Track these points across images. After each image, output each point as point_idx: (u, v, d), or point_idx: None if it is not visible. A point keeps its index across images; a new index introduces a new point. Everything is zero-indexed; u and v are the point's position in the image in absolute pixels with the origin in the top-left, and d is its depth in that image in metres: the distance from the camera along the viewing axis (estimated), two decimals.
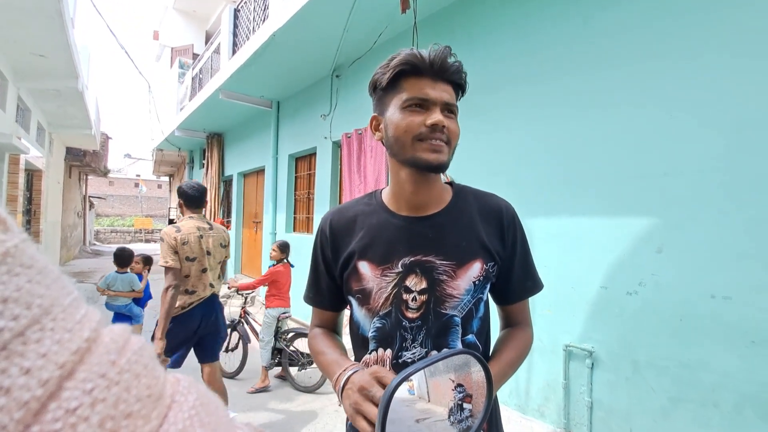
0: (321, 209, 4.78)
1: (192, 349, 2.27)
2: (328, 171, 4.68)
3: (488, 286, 0.79)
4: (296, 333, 3.18)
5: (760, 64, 1.70)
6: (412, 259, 0.75)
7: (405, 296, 0.75)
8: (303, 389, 3.04)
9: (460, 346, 0.76)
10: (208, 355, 2.31)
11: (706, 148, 1.84)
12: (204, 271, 2.21)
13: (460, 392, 0.67)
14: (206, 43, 9.05)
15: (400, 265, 0.75)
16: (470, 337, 0.78)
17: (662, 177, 1.97)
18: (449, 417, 0.64)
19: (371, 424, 0.58)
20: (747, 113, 1.73)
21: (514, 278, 0.82)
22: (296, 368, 3.14)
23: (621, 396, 2.06)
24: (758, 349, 1.67)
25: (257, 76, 4.90)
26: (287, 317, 3.26)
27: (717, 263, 1.80)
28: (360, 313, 0.80)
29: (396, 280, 0.75)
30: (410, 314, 0.75)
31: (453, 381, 0.66)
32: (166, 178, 16.65)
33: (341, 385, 0.66)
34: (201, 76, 7.27)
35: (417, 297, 0.75)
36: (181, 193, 2.23)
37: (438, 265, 0.75)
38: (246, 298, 3.52)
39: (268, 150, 5.89)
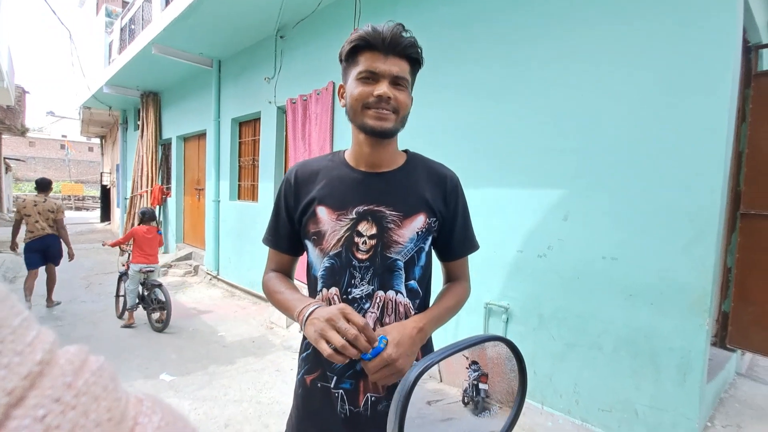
0: (266, 176, 4.69)
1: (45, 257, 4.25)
2: (273, 137, 4.58)
3: (430, 239, 0.89)
4: (153, 285, 3.90)
5: (660, 52, 1.92)
6: (366, 208, 0.85)
7: (356, 239, 0.84)
8: (155, 329, 3.82)
9: (404, 289, 0.85)
10: (50, 261, 4.31)
11: (607, 127, 2.06)
12: (36, 222, 4.13)
13: (474, 371, 0.63)
14: None
15: (354, 212, 0.85)
16: (412, 282, 0.87)
17: (571, 152, 2.19)
18: (463, 398, 0.61)
19: (334, 350, 0.68)
20: (642, 98, 1.96)
21: (455, 238, 0.93)
22: (156, 312, 3.86)
23: (528, 344, 2.35)
24: (634, 300, 1.98)
25: (195, 31, 4.57)
26: (150, 271, 3.92)
27: (608, 229, 2.07)
28: (314, 254, 0.88)
29: (349, 225, 0.85)
30: (360, 255, 0.84)
31: (467, 358, 0.63)
32: (98, 140, 15.19)
33: (305, 316, 0.76)
34: (132, 26, 6.61)
35: (367, 241, 0.84)
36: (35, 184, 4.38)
37: (387, 215, 0.85)
38: (128, 254, 4.18)
39: (209, 113, 5.59)
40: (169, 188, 7.38)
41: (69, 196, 22.80)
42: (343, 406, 0.84)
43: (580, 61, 2.16)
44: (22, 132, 13.69)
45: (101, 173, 14.38)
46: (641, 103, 1.96)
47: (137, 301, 3.91)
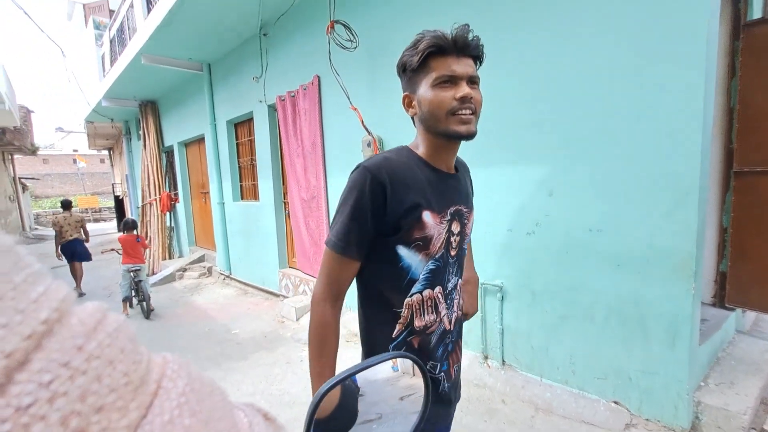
0: (264, 175, 4.77)
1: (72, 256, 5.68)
2: (267, 136, 4.63)
3: None
4: (140, 281, 4.61)
5: (631, 10, 1.88)
6: (454, 208, 0.92)
7: (451, 239, 0.91)
8: (144, 316, 4.57)
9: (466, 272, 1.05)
10: (76, 260, 5.71)
11: (583, 97, 2.05)
12: (68, 232, 5.63)
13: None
14: None
15: (448, 214, 0.90)
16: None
17: (551, 126, 2.18)
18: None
19: None
20: (614, 62, 1.93)
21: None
22: (143, 302, 4.63)
23: (523, 320, 2.40)
24: (622, 269, 2.00)
25: (180, 37, 4.60)
26: (137, 270, 4.61)
27: (592, 202, 2.07)
28: (413, 259, 0.85)
29: (447, 227, 0.90)
30: (453, 252, 0.92)
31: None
32: (106, 152, 15.52)
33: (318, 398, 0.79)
34: (123, 36, 6.67)
35: (456, 239, 0.92)
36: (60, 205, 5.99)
37: (464, 212, 0.95)
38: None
39: (205, 117, 5.67)
40: (176, 194, 7.55)
41: (87, 209, 23.46)
42: (443, 385, 0.93)
43: (551, 31, 2.12)
44: (33, 151, 14.08)
45: (113, 184, 14.73)
46: (613, 68, 1.93)
47: (131, 294, 4.71)
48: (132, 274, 4.60)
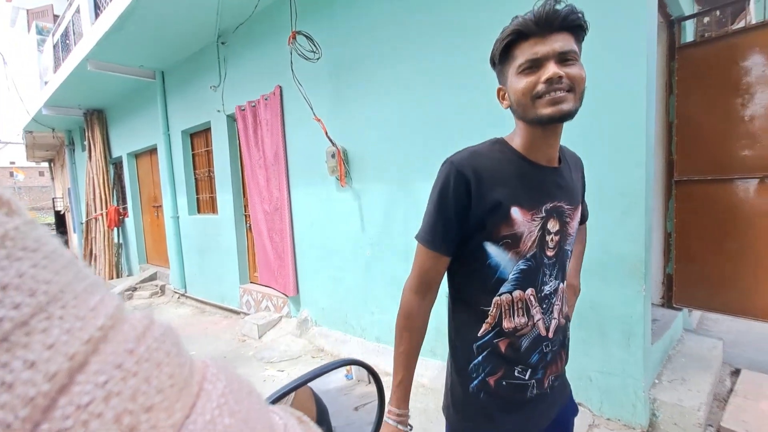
0: (224, 187, 4.58)
1: None
2: (226, 147, 4.47)
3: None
4: None
5: None
6: (551, 204, 0.84)
7: (546, 238, 0.84)
8: None
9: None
10: None
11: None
12: None
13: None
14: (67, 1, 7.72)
15: (543, 210, 0.83)
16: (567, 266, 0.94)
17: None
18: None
19: None
20: None
21: (585, 205, 1.06)
22: None
23: None
24: (582, 275, 2.07)
25: (131, 43, 4.38)
26: None
27: None
28: (503, 258, 0.82)
29: (540, 224, 0.83)
30: (549, 253, 0.85)
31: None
32: (47, 164, 14.37)
33: (390, 409, 0.85)
34: (67, 41, 6.26)
35: (553, 238, 0.85)
36: None
37: (565, 210, 0.87)
38: None
39: (158, 126, 5.39)
40: (125, 208, 7.09)
41: None
42: (532, 391, 0.87)
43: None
44: None
45: (53, 199, 13.62)
46: None
47: None
48: None
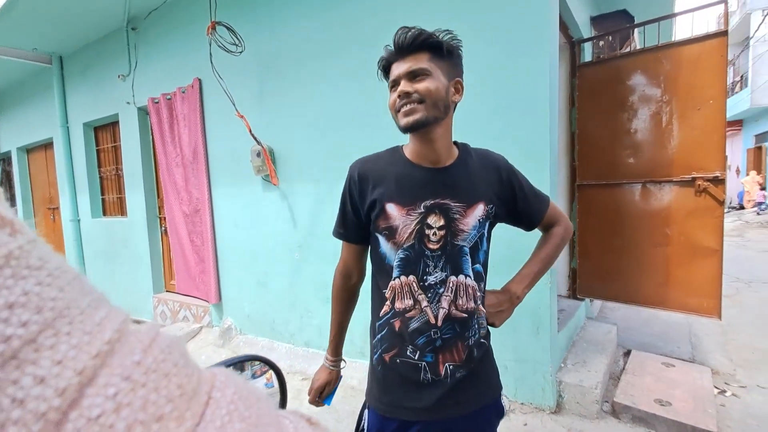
0: (134, 187, 4.16)
1: None
2: (136, 142, 4.06)
3: (487, 224, 0.97)
4: None
5: (485, 53, 2.13)
6: (432, 201, 0.92)
7: (427, 231, 0.92)
8: None
9: (471, 273, 0.94)
10: None
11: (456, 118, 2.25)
12: None
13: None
14: None
15: (422, 207, 0.92)
16: (477, 266, 0.96)
17: None
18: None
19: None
20: (478, 92, 2.17)
21: (530, 207, 1.05)
22: None
23: None
24: (492, 270, 2.21)
25: (23, 24, 3.80)
26: None
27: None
28: (386, 246, 0.95)
29: (418, 219, 0.92)
30: (431, 245, 0.92)
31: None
32: None
33: (324, 362, 1.12)
34: None
35: (437, 232, 0.92)
36: None
37: (452, 206, 0.93)
38: None
39: (55, 118, 4.74)
40: (14, 211, 6.11)
41: None
42: (425, 375, 0.93)
43: None
44: None
45: None
46: (477, 95, 2.17)
47: None
48: None
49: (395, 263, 0.94)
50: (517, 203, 1.02)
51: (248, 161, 3.10)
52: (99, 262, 4.67)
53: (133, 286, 4.31)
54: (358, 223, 1.00)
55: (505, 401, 1.09)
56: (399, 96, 0.88)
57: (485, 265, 1.01)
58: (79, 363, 0.15)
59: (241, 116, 2.99)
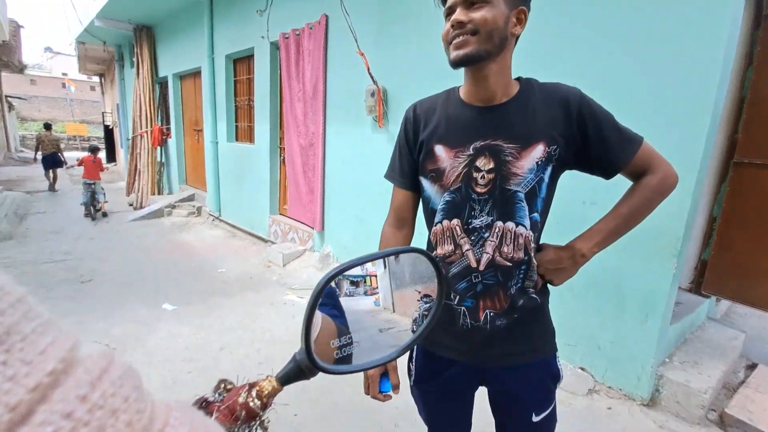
0: (262, 118, 4.63)
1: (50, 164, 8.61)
2: (267, 76, 4.44)
3: (550, 168, 0.86)
4: (95, 192, 6.15)
5: None
6: (482, 143, 0.86)
7: (475, 174, 0.87)
8: (94, 218, 6.11)
9: (527, 221, 0.87)
10: (54, 166, 8.72)
11: (596, 71, 1.97)
12: (46, 146, 8.79)
13: (426, 302, 0.69)
14: None
15: (471, 149, 0.87)
16: (535, 215, 0.88)
17: None
18: (413, 327, 0.66)
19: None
20: (633, 41, 1.85)
21: (610, 147, 0.88)
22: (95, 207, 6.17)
23: None
24: None
25: None
26: (92, 184, 6.10)
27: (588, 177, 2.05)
28: (431, 190, 0.93)
29: (467, 162, 0.87)
30: (479, 189, 0.87)
31: (419, 293, 0.69)
32: (97, 78, 14.84)
33: None
34: None
35: (485, 175, 0.86)
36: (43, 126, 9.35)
37: (504, 148, 0.85)
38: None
39: (203, 49, 5.38)
40: (168, 128, 7.33)
41: (75, 136, 22.77)
42: (464, 320, 0.91)
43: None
44: (21, 69, 13.40)
45: (103, 113, 14.22)
46: (632, 46, 1.85)
47: (89, 200, 6.09)
48: (89, 185, 6.08)
49: (439, 206, 0.92)
50: (590, 145, 0.87)
51: (362, 100, 3.19)
52: (230, 180, 5.43)
53: (254, 204, 4.96)
54: (412, 165, 0.97)
55: (561, 366, 1.03)
56: (452, 26, 0.80)
57: (544, 214, 0.92)
58: (13, 398, 0.13)
59: (362, 54, 3.03)
